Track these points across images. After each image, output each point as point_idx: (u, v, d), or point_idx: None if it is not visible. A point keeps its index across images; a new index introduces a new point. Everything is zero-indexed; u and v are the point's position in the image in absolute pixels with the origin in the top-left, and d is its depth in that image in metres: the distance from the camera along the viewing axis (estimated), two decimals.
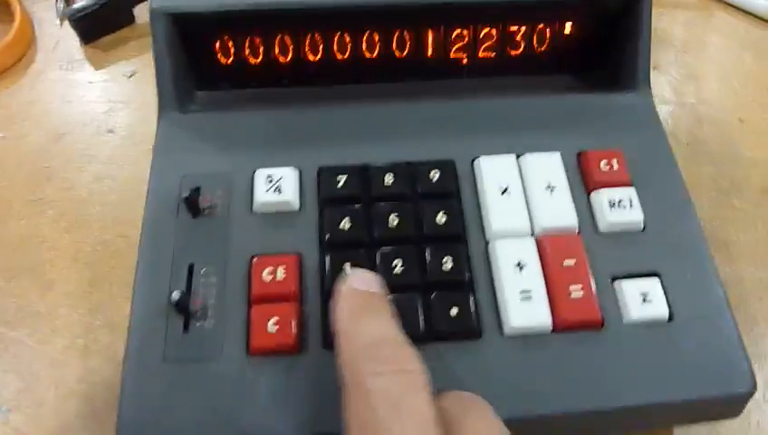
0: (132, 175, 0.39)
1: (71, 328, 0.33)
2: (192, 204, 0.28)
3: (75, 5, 0.45)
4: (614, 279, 0.28)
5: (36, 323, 0.33)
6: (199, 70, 0.33)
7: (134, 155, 0.40)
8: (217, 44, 0.33)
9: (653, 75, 0.45)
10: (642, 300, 0.27)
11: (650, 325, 0.27)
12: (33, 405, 0.31)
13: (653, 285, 0.27)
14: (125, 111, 0.42)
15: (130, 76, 0.44)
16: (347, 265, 0.27)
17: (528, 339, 0.26)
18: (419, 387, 0.20)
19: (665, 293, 0.27)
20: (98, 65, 0.45)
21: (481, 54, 0.34)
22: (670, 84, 0.45)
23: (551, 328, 0.26)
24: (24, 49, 0.46)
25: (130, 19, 0.47)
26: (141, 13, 0.47)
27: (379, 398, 0.20)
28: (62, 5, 0.48)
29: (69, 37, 0.46)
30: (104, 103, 0.43)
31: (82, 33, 0.46)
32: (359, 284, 0.24)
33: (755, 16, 0.49)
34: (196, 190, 0.29)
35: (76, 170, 0.39)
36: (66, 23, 0.46)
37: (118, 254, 0.36)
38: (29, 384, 0.32)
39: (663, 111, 0.43)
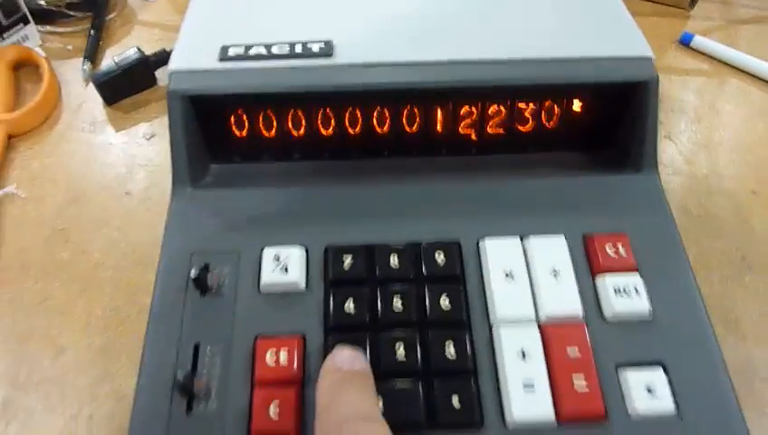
0: (147, 239, 0.40)
1: (78, 396, 0.34)
2: (201, 283, 0.29)
3: (100, 69, 0.47)
4: (618, 368, 0.28)
5: (46, 390, 0.34)
6: (214, 144, 0.34)
7: (148, 218, 0.41)
8: (231, 120, 0.34)
9: (664, 144, 0.45)
10: (648, 393, 0.27)
11: (656, 420, 0.26)
12: None
13: (658, 377, 0.27)
14: (143, 174, 0.43)
15: (150, 138, 0.46)
16: (337, 345, 0.27)
17: (531, 431, 0.26)
18: None
19: (670, 385, 0.27)
20: (119, 127, 0.47)
21: (489, 131, 0.35)
22: (682, 154, 0.45)
23: (554, 421, 0.26)
24: (51, 110, 0.48)
25: (152, 81, 0.49)
26: (162, 75, 0.49)
27: None
28: (87, 68, 0.50)
29: (93, 98, 0.48)
30: (123, 166, 0.44)
31: (106, 96, 0.47)
32: (341, 361, 0.25)
33: None
34: (205, 268, 0.29)
35: (91, 233, 0.40)
36: (91, 84, 0.48)
37: (128, 321, 0.36)
38: None
39: (674, 181, 0.43)
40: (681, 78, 0.50)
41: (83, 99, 0.49)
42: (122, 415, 0.33)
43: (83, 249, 0.39)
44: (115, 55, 0.47)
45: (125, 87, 0.48)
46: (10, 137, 0.46)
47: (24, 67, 0.51)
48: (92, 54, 0.51)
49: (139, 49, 0.48)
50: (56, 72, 0.50)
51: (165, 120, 0.47)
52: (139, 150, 0.45)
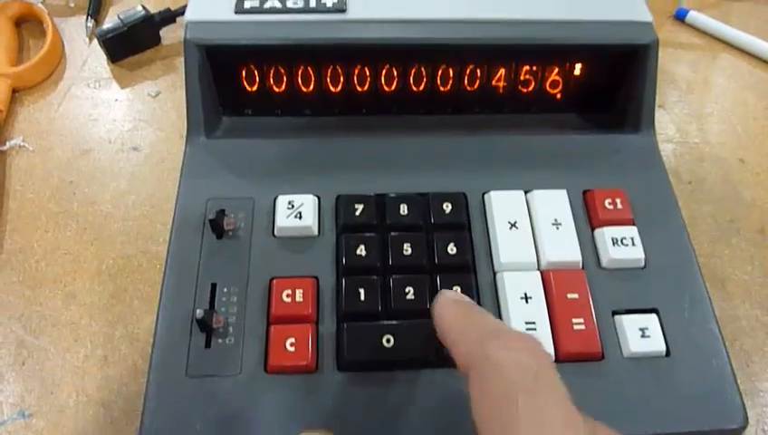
0: (155, 192, 0.40)
1: (92, 338, 0.35)
2: (216, 226, 0.30)
3: (105, 26, 0.47)
4: (615, 314, 0.29)
5: (59, 333, 0.35)
6: (226, 96, 0.35)
7: (156, 173, 0.42)
8: (244, 73, 0.34)
9: (658, 114, 0.47)
10: (641, 335, 0.28)
11: (648, 359, 0.28)
12: (53, 411, 0.32)
13: (651, 321, 0.29)
14: (149, 130, 0.44)
15: (155, 96, 0.46)
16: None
17: None
18: (552, 364, 0.20)
19: (662, 329, 0.29)
20: (124, 84, 0.47)
21: (493, 91, 0.36)
22: (674, 123, 0.47)
23: (553, 358, 0.28)
24: (54, 66, 0.48)
25: (157, 40, 0.49)
26: (167, 34, 0.49)
27: (514, 368, 0.19)
28: (91, 25, 0.50)
29: (97, 56, 0.48)
30: (129, 122, 0.44)
31: (110, 53, 0.48)
32: (455, 296, 0.25)
33: (759, 58, 0.51)
34: (221, 213, 0.30)
35: (100, 186, 0.41)
36: (95, 41, 0.48)
37: (139, 268, 0.37)
38: (51, 390, 0.33)
39: (666, 149, 0.45)
40: (675, 51, 0.52)
41: (87, 56, 0.49)
42: (136, 356, 0.34)
43: (92, 200, 0.40)
44: (120, 12, 0.47)
45: (130, 45, 0.48)
46: (14, 91, 0.46)
47: (25, 22, 0.51)
48: (96, 12, 0.51)
49: (143, 7, 0.48)
50: (59, 28, 0.50)
51: (170, 79, 0.48)
52: (145, 108, 0.46)
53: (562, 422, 0.19)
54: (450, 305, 0.24)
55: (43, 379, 0.33)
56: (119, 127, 0.44)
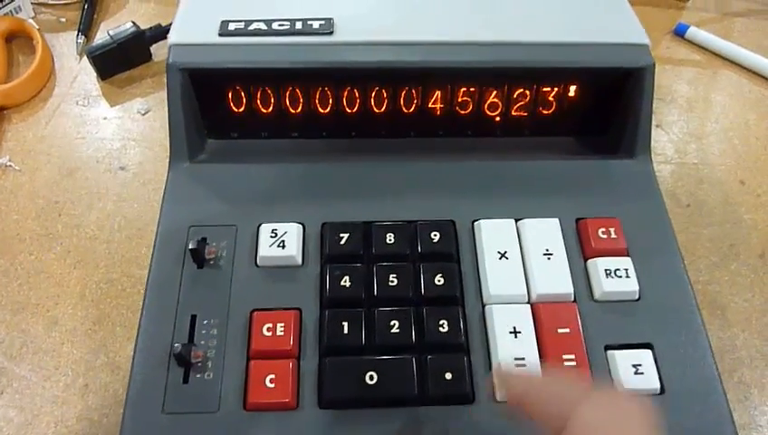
0: (141, 213, 0.40)
1: (73, 366, 0.34)
2: (197, 255, 0.29)
3: (95, 43, 0.47)
4: (607, 348, 0.28)
5: (40, 360, 0.34)
6: (211, 119, 0.34)
7: (143, 194, 0.41)
8: (230, 95, 0.34)
9: (656, 134, 0.46)
10: (634, 371, 0.27)
11: (642, 397, 0.27)
12: None
13: (645, 357, 0.28)
14: (138, 149, 0.43)
15: (144, 114, 0.46)
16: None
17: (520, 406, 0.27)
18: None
19: (656, 365, 0.28)
20: (113, 102, 0.46)
21: (485, 114, 0.35)
22: (673, 143, 0.46)
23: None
24: (44, 83, 0.47)
25: (147, 57, 0.49)
26: (158, 51, 0.49)
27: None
28: (81, 41, 0.49)
29: (87, 72, 0.48)
30: (117, 140, 0.44)
31: (100, 70, 0.47)
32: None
33: (761, 75, 0.50)
34: (203, 241, 0.30)
35: (86, 207, 0.40)
36: (85, 58, 0.47)
37: (123, 293, 0.36)
38: (30, 420, 0.32)
39: (665, 170, 0.44)
40: (675, 68, 0.51)
41: (77, 72, 0.48)
42: (117, 385, 0.33)
43: (77, 223, 0.39)
44: (110, 29, 0.47)
45: (120, 61, 0.48)
46: (2, 108, 0.45)
47: (16, 39, 0.50)
48: (87, 28, 0.50)
49: (134, 23, 0.47)
50: (49, 44, 0.49)
51: (160, 96, 0.47)
52: (134, 126, 0.45)
53: None
54: (522, 376, 0.24)
55: (23, 408, 0.33)
56: (107, 146, 0.44)
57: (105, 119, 0.45)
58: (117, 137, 0.44)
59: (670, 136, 0.46)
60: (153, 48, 0.48)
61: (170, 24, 0.47)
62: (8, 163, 0.42)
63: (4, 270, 0.37)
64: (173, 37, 0.32)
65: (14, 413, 0.32)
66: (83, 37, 0.50)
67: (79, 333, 0.35)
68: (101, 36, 0.47)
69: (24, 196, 0.41)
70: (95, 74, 0.47)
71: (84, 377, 0.34)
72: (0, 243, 0.38)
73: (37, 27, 0.49)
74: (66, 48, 0.50)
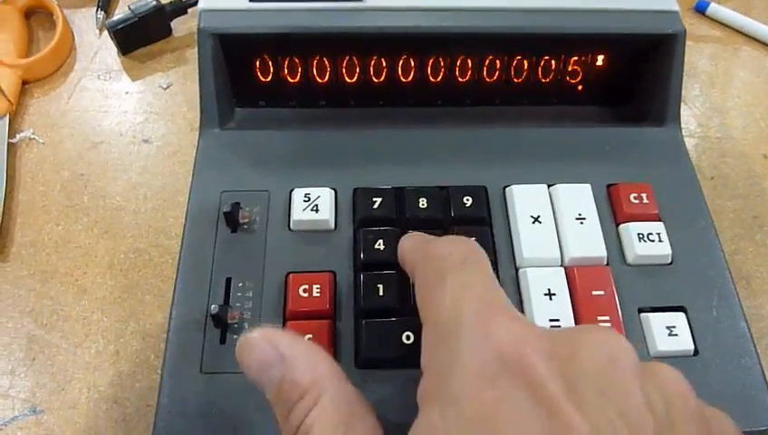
0: (166, 185, 0.40)
1: (103, 333, 0.34)
2: (231, 219, 0.29)
3: (115, 17, 0.46)
4: (641, 311, 0.28)
5: (70, 327, 0.34)
6: (240, 87, 0.34)
7: (168, 165, 0.41)
8: (258, 63, 0.34)
9: None
10: (668, 333, 0.27)
11: (675, 359, 0.27)
12: (64, 407, 0.32)
13: (679, 319, 0.28)
14: (161, 122, 0.43)
15: (166, 88, 0.46)
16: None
17: None
18: (482, 252, 0.23)
19: (690, 327, 0.28)
20: (135, 76, 0.46)
21: (514, 82, 0.35)
22: (696, 118, 0.45)
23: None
24: (64, 57, 0.47)
25: (167, 32, 0.48)
26: (178, 26, 0.49)
27: (446, 255, 0.22)
28: (102, 16, 0.49)
29: (107, 47, 0.48)
30: (140, 114, 0.44)
31: (121, 44, 0.47)
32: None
33: None
34: (236, 206, 0.30)
35: (111, 179, 0.40)
36: (105, 33, 0.47)
37: (151, 262, 0.36)
38: (63, 386, 0.32)
39: (688, 144, 0.43)
40: (696, 44, 0.51)
41: (97, 47, 0.48)
42: (149, 352, 0.33)
43: (103, 194, 0.39)
44: (131, 3, 0.47)
45: (140, 36, 0.47)
46: (24, 83, 0.45)
47: (35, 14, 0.50)
48: (106, 3, 0.50)
49: None
50: (69, 20, 0.49)
51: (181, 70, 0.47)
52: (156, 99, 0.45)
53: (483, 292, 0.21)
54: (408, 236, 0.27)
55: (54, 374, 0.33)
56: (130, 119, 0.44)
57: (127, 93, 0.45)
58: (140, 110, 0.44)
59: (693, 111, 0.46)
60: (173, 23, 0.48)
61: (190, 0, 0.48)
62: (32, 136, 0.42)
63: (31, 240, 0.37)
64: (203, 3, 0.32)
65: (47, 379, 0.33)
66: (103, 12, 0.49)
67: (108, 302, 0.35)
68: (122, 11, 0.47)
69: (48, 168, 0.41)
70: (116, 49, 0.47)
71: (115, 344, 0.34)
72: (26, 214, 0.39)
73: (56, 2, 0.49)
74: (86, 23, 0.49)
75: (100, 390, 0.32)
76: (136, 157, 0.41)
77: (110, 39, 0.47)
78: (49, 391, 0.32)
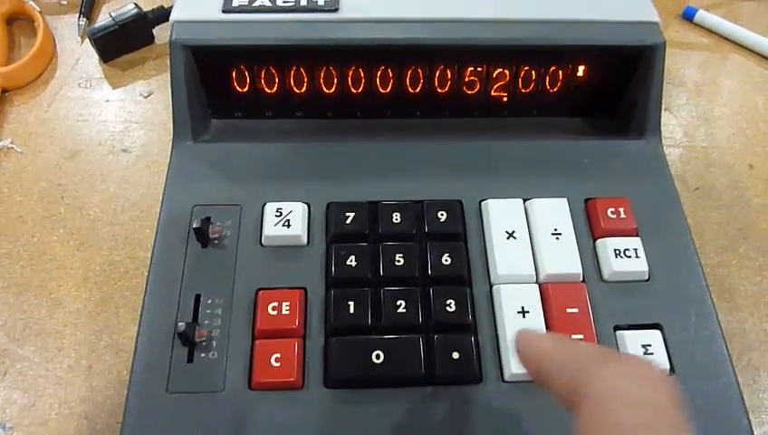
0: (144, 195, 0.39)
1: (76, 348, 0.34)
2: (202, 234, 0.29)
3: (96, 24, 0.46)
4: (616, 329, 0.28)
5: (43, 341, 0.34)
6: (215, 98, 0.34)
7: (147, 176, 0.40)
8: (234, 74, 0.33)
9: (664, 117, 0.45)
10: (644, 352, 0.27)
11: None
12: (35, 424, 0.31)
13: (654, 338, 0.27)
14: (140, 131, 0.43)
15: (147, 96, 0.45)
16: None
17: (529, 385, 0.26)
18: (675, 396, 0.18)
19: (666, 345, 0.27)
20: (116, 84, 0.46)
21: (493, 94, 0.35)
22: (681, 127, 0.45)
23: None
24: (45, 65, 0.47)
25: (149, 39, 0.48)
26: (160, 33, 0.48)
27: (629, 405, 0.17)
28: (84, 23, 0.49)
29: (89, 55, 0.47)
30: (120, 123, 0.43)
31: (102, 52, 0.47)
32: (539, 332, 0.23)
33: None
34: (207, 220, 0.29)
35: (89, 189, 0.40)
36: (87, 41, 0.47)
37: (126, 275, 0.36)
38: (33, 402, 0.32)
39: (673, 153, 0.43)
40: (683, 52, 0.50)
41: (79, 55, 0.48)
42: (121, 366, 0.33)
43: (80, 205, 0.39)
44: (112, 10, 0.46)
45: (122, 44, 0.47)
46: (4, 90, 0.45)
47: (17, 21, 0.50)
48: (88, 10, 0.50)
49: (136, 5, 0.47)
50: (51, 27, 0.49)
51: (163, 78, 0.46)
52: (137, 108, 0.44)
53: None
54: (540, 337, 0.21)
55: (26, 390, 0.32)
56: (109, 128, 0.43)
57: (107, 101, 0.45)
58: (119, 119, 0.44)
59: (679, 120, 0.45)
60: (155, 30, 0.48)
61: (172, 7, 0.47)
62: (10, 145, 0.42)
63: (6, 252, 0.37)
64: (176, 14, 0.32)
65: (18, 395, 0.32)
66: (85, 20, 0.49)
67: (82, 315, 0.35)
68: (103, 18, 0.46)
69: (26, 178, 0.40)
70: (97, 57, 0.47)
71: (88, 358, 0.33)
72: (3, 225, 0.38)
73: (38, 9, 0.49)
74: (68, 30, 0.49)
75: (72, 406, 0.32)
76: (114, 167, 0.41)
77: (91, 46, 0.46)
78: (19, 408, 0.32)
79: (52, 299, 0.35)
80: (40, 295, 0.35)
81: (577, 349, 0.19)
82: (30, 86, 0.46)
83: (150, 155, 0.42)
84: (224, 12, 0.31)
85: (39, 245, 0.37)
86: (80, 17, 0.49)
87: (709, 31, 0.51)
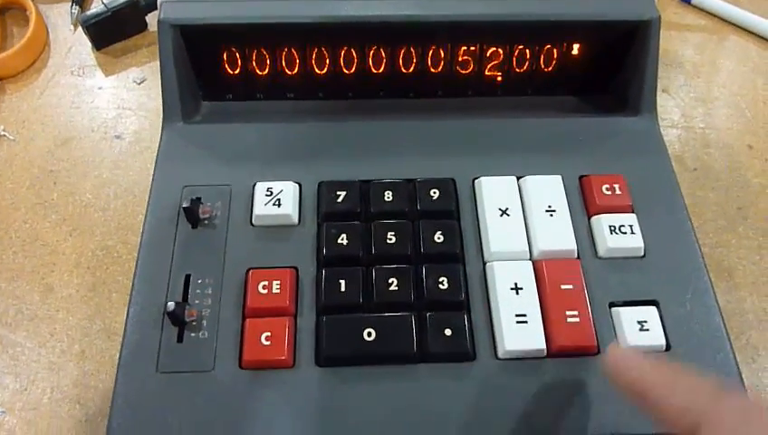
0: (137, 181, 0.39)
1: (69, 332, 0.33)
2: (192, 214, 0.28)
3: (89, 12, 0.46)
4: (612, 305, 0.28)
5: (35, 327, 0.34)
6: (205, 80, 0.34)
7: (140, 162, 0.40)
8: (224, 55, 0.33)
9: (662, 98, 0.45)
10: (639, 328, 0.27)
11: (647, 354, 0.26)
12: (27, 408, 0.31)
13: (651, 314, 0.27)
14: (133, 118, 0.43)
15: (140, 83, 0.45)
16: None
17: (522, 363, 0.26)
18: None
19: (662, 322, 0.27)
20: (108, 71, 0.46)
21: (487, 72, 0.34)
22: (679, 108, 0.45)
23: (545, 353, 0.26)
24: (38, 53, 0.46)
25: (142, 26, 0.48)
26: (153, 20, 0.48)
27: None
28: (76, 11, 0.48)
29: (81, 43, 0.47)
30: (113, 109, 0.43)
31: (95, 39, 0.46)
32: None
33: None
34: (197, 201, 0.29)
35: (81, 175, 0.40)
36: (80, 29, 0.47)
37: (119, 260, 0.36)
38: (26, 387, 0.32)
39: (671, 134, 0.43)
40: (681, 34, 0.50)
41: (72, 43, 0.47)
42: (113, 351, 0.32)
43: (72, 190, 0.39)
44: None
45: (115, 31, 0.47)
46: None
47: (9, 10, 0.49)
48: None
49: None
50: (44, 15, 0.48)
51: (156, 66, 0.46)
52: (129, 95, 0.44)
53: None
54: (640, 359, 0.22)
55: (18, 374, 0.32)
56: (102, 115, 0.43)
57: (100, 88, 0.45)
58: (112, 106, 0.43)
59: (677, 101, 0.45)
60: (149, 17, 0.48)
61: None
62: (2, 133, 0.42)
63: None
64: None
65: (10, 380, 0.32)
66: (78, 8, 0.49)
67: (74, 300, 0.35)
68: (96, 6, 0.46)
69: (18, 165, 0.40)
70: (90, 45, 0.47)
71: (80, 343, 0.33)
72: None
73: None
74: (61, 19, 0.49)
75: (64, 390, 0.32)
76: (107, 153, 0.41)
77: (84, 34, 0.46)
78: (12, 392, 0.32)
79: (45, 284, 0.35)
80: (32, 281, 0.35)
81: (684, 377, 0.20)
82: (23, 74, 0.45)
83: (143, 141, 0.41)
84: None
85: (31, 231, 0.37)
86: (72, 5, 0.49)
87: (708, 12, 0.51)
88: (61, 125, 0.42)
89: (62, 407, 0.31)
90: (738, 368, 0.27)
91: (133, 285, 0.28)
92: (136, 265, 0.28)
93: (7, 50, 0.46)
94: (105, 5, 0.45)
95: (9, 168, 0.40)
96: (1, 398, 0.31)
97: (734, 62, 0.48)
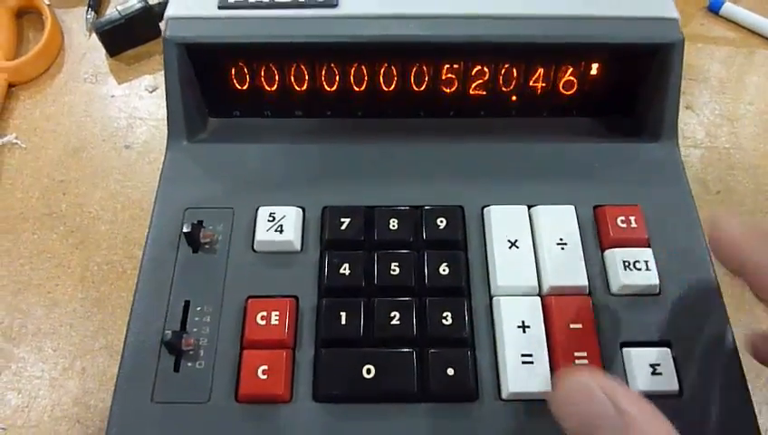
0: (145, 193, 0.39)
1: (71, 349, 0.33)
2: (192, 238, 0.28)
3: (102, 18, 0.46)
4: (623, 346, 0.26)
5: (39, 342, 0.34)
6: (212, 97, 0.33)
7: (149, 172, 0.40)
8: (232, 73, 0.32)
9: (685, 115, 0.43)
10: (651, 371, 0.26)
11: (658, 398, 0.25)
12: (28, 425, 0.31)
13: (664, 356, 0.26)
14: (144, 127, 0.42)
15: (152, 91, 0.45)
16: None
17: (527, 405, 0.25)
18: None
19: (676, 365, 0.26)
20: (121, 78, 0.45)
21: (502, 93, 0.33)
22: (703, 126, 0.43)
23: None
24: (53, 58, 0.46)
25: (156, 33, 0.47)
26: None
27: None
28: (92, 16, 0.48)
29: (96, 49, 0.47)
30: (124, 118, 0.43)
31: (109, 46, 0.46)
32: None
33: None
34: (198, 225, 0.28)
35: (90, 186, 0.39)
36: (94, 35, 0.46)
37: (124, 275, 0.36)
38: (27, 403, 0.32)
39: (693, 155, 0.41)
40: (707, 47, 0.48)
41: (86, 49, 0.47)
42: (115, 369, 0.32)
43: (81, 202, 0.39)
44: (118, 4, 0.46)
45: (128, 38, 0.46)
46: (11, 85, 0.45)
47: (26, 15, 0.49)
48: (97, 4, 0.49)
49: None
50: (59, 20, 0.48)
51: None
52: (141, 103, 0.44)
53: None
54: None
55: (20, 390, 0.32)
56: (113, 124, 0.43)
57: (112, 96, 0.44)
58: (123, 115, 0.43)
59: (701, 118, 0.43)
60: (162, 24, 0.47)
61: None
62: (14, 141, 0.42)
63: (6, 249, 0.37)
64: (170, 10, 0.31)
65: (12, 396, 0.32)
66: (93, 13, 0.48)
67: (78, 316, 0.34)
68: (110, 12, 0.46)
69: (28, 174, 0.40)
70: (104, 51, 0.46)
71: (82, 360, 0.33)
72: (4, 221, 0.38)
73: (47, 2, 0.48)
74: (76, 24, 0.49)
75: (64, 408, 0.32)
76: (116, 163, 0.41)
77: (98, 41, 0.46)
78: (13, 409, 0.32)
79: (50, 298, 0.35)
80: (38, 294, 0.35)
81: None
82: (37, 80, 0.45)
83: (153, 151, 0.41)
84: (220, 8, 0.30)
85: (39, 242, 0.37)
86: (88, 10, 0.49)
87: (736, 24, 0.49)
88: (72, 134, 0.42)
89: (61, 425, 0.31)
90: (755, 417, 0.26)
91: (132, 310, 0.27)
92: (136, 289, 0.28)
93: (23, 54, 0.46)
94: (119, 12, 0.45)
95: (20, 176, 0.40)
96: (3, 413, 0.31)
97: (762, 77, 0.46)
